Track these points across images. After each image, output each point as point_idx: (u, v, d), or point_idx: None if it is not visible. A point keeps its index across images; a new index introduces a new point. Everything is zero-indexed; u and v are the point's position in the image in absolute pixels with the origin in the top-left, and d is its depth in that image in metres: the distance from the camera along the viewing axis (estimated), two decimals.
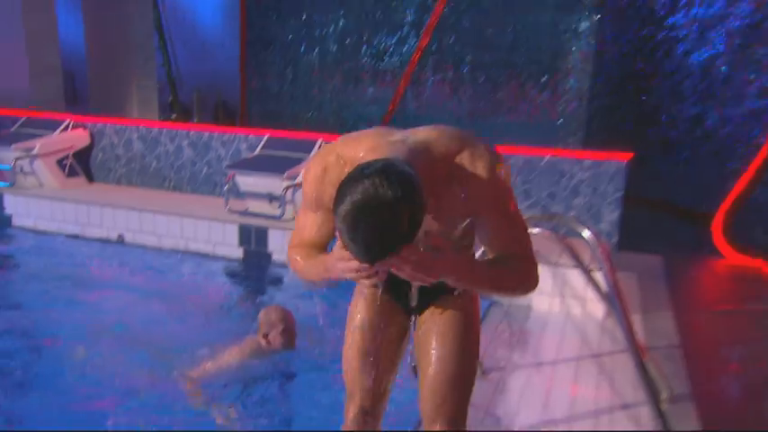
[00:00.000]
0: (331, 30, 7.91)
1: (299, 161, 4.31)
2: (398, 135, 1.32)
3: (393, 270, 1.20)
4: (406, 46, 7.67)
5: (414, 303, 1.62)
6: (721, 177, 4.68)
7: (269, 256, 4.19)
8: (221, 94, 8.48)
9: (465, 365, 1.59)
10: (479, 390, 2.54)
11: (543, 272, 3.40)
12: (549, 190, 4.09)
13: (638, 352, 2.19)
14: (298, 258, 1.45)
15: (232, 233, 4.24)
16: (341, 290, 1.76)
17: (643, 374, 2.17)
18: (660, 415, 2.14)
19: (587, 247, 2.46)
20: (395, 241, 1.09)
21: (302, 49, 7.99)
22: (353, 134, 1.39)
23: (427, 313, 1.62)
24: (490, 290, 1.58)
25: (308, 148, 4.46)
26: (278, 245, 4.14)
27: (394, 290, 1.60)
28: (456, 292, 1.59)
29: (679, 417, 2.25)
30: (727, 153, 5.41)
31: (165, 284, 3.97)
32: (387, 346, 1.63)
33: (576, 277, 3.31)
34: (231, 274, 4.18)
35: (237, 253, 4.26)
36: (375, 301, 1.61)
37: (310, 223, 1.44)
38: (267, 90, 8.27)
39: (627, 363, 2.35)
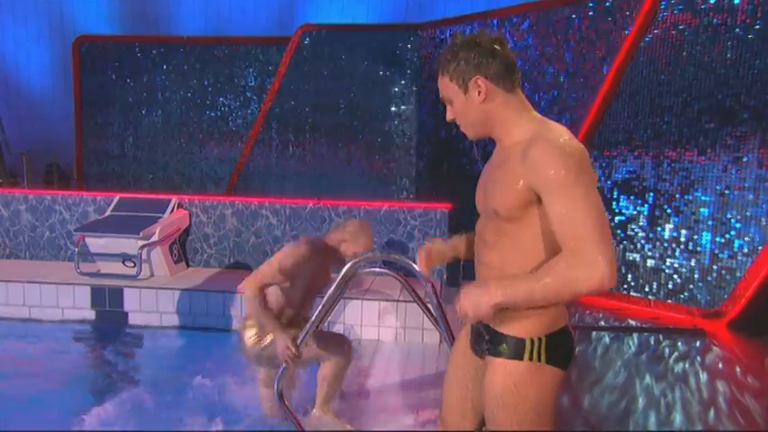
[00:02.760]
0: (174, 93, 8.00)
1: (154, 220, 4.39)
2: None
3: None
4: (250, 109, 8.02)
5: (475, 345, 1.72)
6: None
7: (125, 315, 4.16)
8: (56, 157, 8.04)
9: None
10: (345, 405, 2.90)
11: (387, 307, 3.95)
12: (388, 236, 4.66)
13: None
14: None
15: (83, 296, 4.15)
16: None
17: None
18: None
19: (422, 284, 2.76)
20: None
21: (144, 110, 7.95)
22: (545, 122, 1.55)
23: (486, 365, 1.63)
24: (544, 302, 1.46)
25: (161, 208, 4.56)
26: (134, 304, 4.14)
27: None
28: (504, 350, 1.57)
29: None
30: None
31: (4, 357, 3.75)
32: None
33: (415, 309, 3.83)
34: (82, 339, 4.06)
35: (89, 316, 4.16)
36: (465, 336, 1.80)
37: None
38: (106, 152, 8.03)
39: None
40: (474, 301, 1.44)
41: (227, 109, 8.07)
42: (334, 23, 7.86)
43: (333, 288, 2.68)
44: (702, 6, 4.38)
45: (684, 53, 4.50)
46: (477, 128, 1.57)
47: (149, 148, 8.09)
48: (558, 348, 1.54)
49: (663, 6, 4.64)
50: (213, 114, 8.08)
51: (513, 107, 1.55)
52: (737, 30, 4.18)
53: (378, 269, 2.91)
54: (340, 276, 2.66)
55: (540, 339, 1.52)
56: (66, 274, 4.30)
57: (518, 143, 1.50)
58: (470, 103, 1.54)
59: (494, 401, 1.56)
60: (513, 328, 1.55)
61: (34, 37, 8.47)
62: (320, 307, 2.67)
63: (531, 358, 1.52)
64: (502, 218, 1.53)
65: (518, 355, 1.53)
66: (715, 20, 4.30)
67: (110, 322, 4.15)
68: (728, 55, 4.23)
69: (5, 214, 4.80)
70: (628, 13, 5.03)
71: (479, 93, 1.52)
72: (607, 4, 5.27)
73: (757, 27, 4.06)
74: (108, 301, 4.15)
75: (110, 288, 4.15)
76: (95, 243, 4.31)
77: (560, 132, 1.48)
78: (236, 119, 8.08)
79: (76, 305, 4.15)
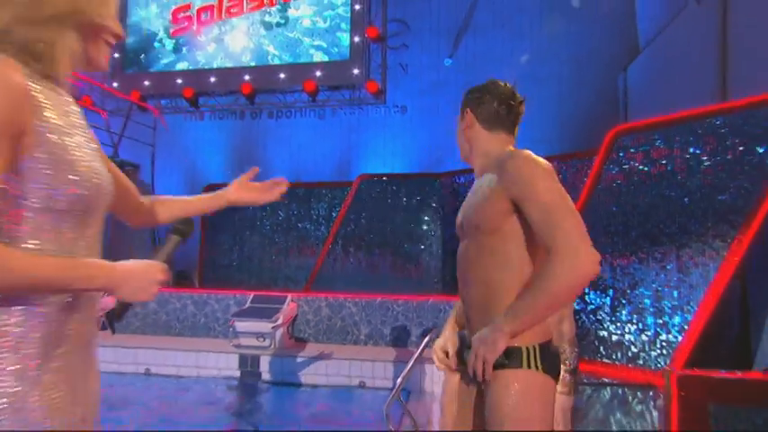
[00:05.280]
0: (268, 220, 9.34)
1: (277, 310, 5.40)
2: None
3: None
4: (321, 231, 9.27)
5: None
6: None
7: (259, 374, 5.06)
8: (185, 267, 9.23)
9: None
10: None
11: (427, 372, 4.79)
12: (433, 321, 5.60)
13: None
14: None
15: (234, 361, 5.09)
16: None
17: None
18: None
19: None
20: None
21: (248, 233, 9.23)
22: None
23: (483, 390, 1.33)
24: (549, 310, 1.27)
25: (281, 301, 5.59)
26: (266, 367, 5.05)
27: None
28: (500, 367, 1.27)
29: None
30: None
31: (186, 397, 4.60)
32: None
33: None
34: (232, 389, 4.92)
35: (237, 374, 5.08)
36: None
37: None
38: (217, 263, 9.21)
39: None
40: (489, 343, 1.24)
41: (305, 231, 9.33)
42: (382, 173, 9.27)
43: (416, 355, 3.39)
44: (630, 170, 5.64)
45: (622, 198, 5.69)
46: (461, 149, 1.56)
47: (248, 259, 9.26)
48: (550, 357, 1.34)
49: (606, 168, 5.92)
50: (295, 234, 9.32)
51: (495, 143, 1.46)
52: (651, 184, 5.39)
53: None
54: (421, 347, 3.45)
55: (534, 347, 1.30)
56: (219, 347, 5.27)
57: (491, 166, 1.40)
58: (458, 128, 1.55)
59: (501, 416, 1.26)
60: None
61: (174, 184, 10.00)
62: (406, 370, 3.28)
63: (528, 366, 1.29)
64: (482, 232, 1.34)
65: (517, 363, 1.29)
66: (637, 178, 5.54)
67: (250, 379, 5.04)
68: (647, 200, 5.40)
69: (178, 305, 5.89)
70: (584, 172, 6.32)
71: (464, 122, 1.52)
72: (580, 162, 6.60)
73: (659, 185, 5.27)
74: (249, 365, 5.08)
75: (251, 356, 5.10)
76: (242, 325, 5.30)
77: (529, 152, 1.38)
78: (311, 238, 9.29)
79: (229, 367, 5.08)
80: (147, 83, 8.93)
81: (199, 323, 5.87)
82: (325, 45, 8.50)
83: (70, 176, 0.87)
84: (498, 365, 1.28)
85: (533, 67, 8.29)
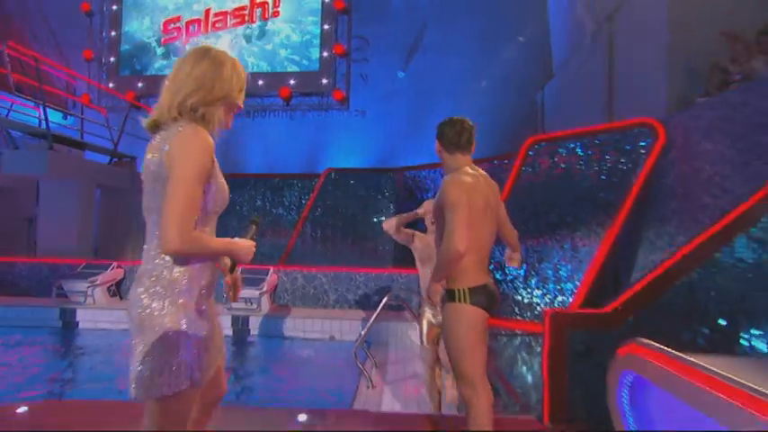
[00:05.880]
0: (246, 205, 9.70)
1: (263, 280, 5.96)
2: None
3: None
4: (292, 216, 9.75)
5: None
6: None
7: (249, 331, 5.56)
8: None
9: (451, 352, 1.83)
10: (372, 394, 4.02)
11: (396, 327, 5.52)
12: (387, 288, 6.35)
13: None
14: None
15: (227, 321, 5.53)
16: None
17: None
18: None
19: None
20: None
21: (227, 216, 9.53)
22: (466, 169, 1.92)
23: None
24: (445, 272, 1.76)
25: (265, 272, 6.13)
26: (255, 325, 5.56)
27: None
28: (442, 305, 1.88)
29: None
30: None
31: None
32: None
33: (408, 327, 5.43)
34: (227, 344, 5.43)
35: (230, 333, 5.55)
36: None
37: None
38: None
39: None
40: (428, 288, 1.89)
41: (278, 216, 9.75)
42: (347, 167, 9.81)
43: (375, 314, 4.00)
44: (540, 171, 6.58)
45: (534, 193, 6.63)
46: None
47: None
48: (478, 295, 1.80)
49: (523, 169, 6.84)
50: (270, 218, 9.72)
51: (453, 162, 1.88)
52: (554, 183, 6.35)
53: (394, 302, 4.51)
54: (379, 308, 4.00)
55: (463, 290, 1.80)
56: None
57: None
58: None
59: (443, 327, 1.84)
60: (450, 285, 1.85)
61: None
62: (369, 324, 3.94)
63: (459, 301, 1.80)
64: (436, 222, 1.89)
65: (452, 299, 1.82)
66: (545, 178, 6.49)
67: (241, 335, 5.52)
68: (552, 195, 6.37)
69: None
70: (507, 171, 7.23)
71: (436, 148, 1.92)
72: (504, 162, 7.47)
73: (560, 184, 6.25)
74: (240, 324, 5.60)
75: (242, 317, 5.60)
76: None
77: (464, 172, 1.82)
78: (283, 222, 9.74)
79: (224, 326, 5.60)
80: (140, 84, 9.02)
81: None
82: (298, 58, 8.93)
83: (221, 192, 1.37)
84: (445, 300, 1.84)
85: (471, 83, 9.08)
